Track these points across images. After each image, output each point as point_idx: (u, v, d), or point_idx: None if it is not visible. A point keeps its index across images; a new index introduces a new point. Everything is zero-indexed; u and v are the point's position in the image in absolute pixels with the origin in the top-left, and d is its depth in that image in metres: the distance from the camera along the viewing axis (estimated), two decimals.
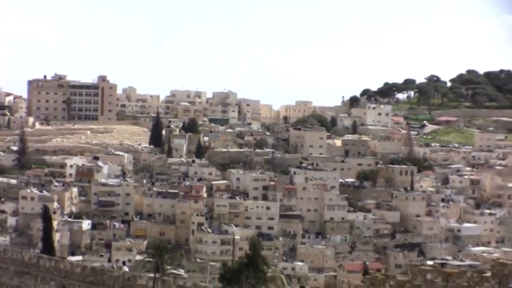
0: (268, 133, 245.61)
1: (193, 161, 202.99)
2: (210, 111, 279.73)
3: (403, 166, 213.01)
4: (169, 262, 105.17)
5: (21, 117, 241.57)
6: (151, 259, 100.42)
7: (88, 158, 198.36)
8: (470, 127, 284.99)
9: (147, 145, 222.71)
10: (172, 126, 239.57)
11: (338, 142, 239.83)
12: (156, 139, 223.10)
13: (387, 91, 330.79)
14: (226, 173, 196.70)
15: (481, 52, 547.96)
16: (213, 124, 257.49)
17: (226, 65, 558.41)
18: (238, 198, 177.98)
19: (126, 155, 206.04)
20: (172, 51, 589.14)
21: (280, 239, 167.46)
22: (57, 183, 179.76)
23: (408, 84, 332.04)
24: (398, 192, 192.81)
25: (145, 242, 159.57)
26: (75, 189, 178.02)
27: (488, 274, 60.91)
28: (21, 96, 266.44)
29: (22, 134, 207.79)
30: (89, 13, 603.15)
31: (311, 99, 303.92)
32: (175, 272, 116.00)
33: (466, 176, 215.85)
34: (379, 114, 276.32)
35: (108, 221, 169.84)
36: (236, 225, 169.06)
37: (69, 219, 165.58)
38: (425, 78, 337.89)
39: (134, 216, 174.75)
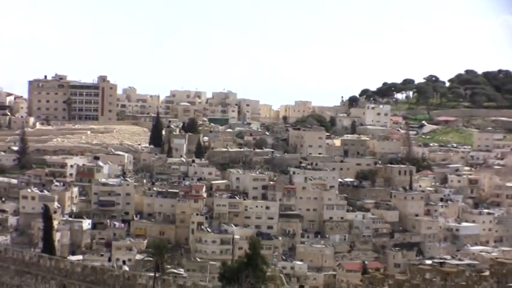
0: (267, 133, 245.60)
1: (193, 161, 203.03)
2: (209, 111, 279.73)
3: (402, 166, 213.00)
4: (169, 261, 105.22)
5: (21, 117, 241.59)
6: (151, 258, 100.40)
7: (88, 158, 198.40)
8: (468, 127, 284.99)
9: (147, 145, 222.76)
10: (172, 126, 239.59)
11: (337, 142, 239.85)
12: (156, 139, 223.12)
13: (386, 91, 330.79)
14: (226, 172, 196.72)
15: (480, 52, 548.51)
16: (212, 124, 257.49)
17: (226, 65, 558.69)
18: (237, 198, 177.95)
19: (126, 154, 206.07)
20: (172, 51, 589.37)
21: (280, 238, 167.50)
22: (57, 183, 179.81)
23: (407, 84, 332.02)
24: (397, 192, 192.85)
25: (146, 241, 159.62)
26: (75, 189, 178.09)
27: (487, 273, 60.95)
28: (21, 96, 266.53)
29: (23, 134, 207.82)
30: (89, 13, 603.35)
31: (310, 99, 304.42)
32: (175, 271, 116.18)
33: (464, 176, 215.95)
34: (378, 114, 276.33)
35: (108, 221, 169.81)
36: (236, 225, 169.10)
37: (70, 219, 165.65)
38: (424, 78, 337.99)
39: (134, 216, 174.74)
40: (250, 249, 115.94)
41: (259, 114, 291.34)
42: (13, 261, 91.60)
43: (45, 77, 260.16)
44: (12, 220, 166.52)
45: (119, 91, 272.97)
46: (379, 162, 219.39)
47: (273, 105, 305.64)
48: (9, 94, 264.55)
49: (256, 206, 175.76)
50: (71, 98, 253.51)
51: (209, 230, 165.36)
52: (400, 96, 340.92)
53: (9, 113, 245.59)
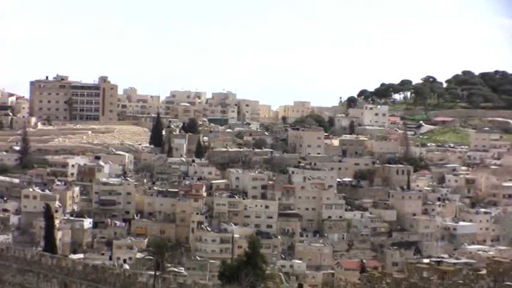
0: (267, 133, 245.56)
1: (193, 161, 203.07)
2: (209, 111, 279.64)
3: (400, 166, 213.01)
4: (169, 260, 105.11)
5: (23, 117, 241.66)
6: (151, 257, 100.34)
7: (89, 158, 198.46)
8: (466, 127, 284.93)
9: (148, 145, 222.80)
10: (172, 126, 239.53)
11: (336, 142, 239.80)
12: (156, 139, 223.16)
13: (384, 92, 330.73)
14: (226, 172, 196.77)
15: (477, 53, 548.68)
16: (212, 124, 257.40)
17: (226, 66, 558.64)
18: (237, 197, 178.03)
19: (127, 154, 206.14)
20: (172, 52, 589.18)
21: (279, 237, 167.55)
22: (59, 183, 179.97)
23: (405, 84, 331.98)
24: (395, 191, 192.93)
25: (146, 240, 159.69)
26: (76, 188, 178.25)
27: (484, 272, 60.82)
28: (23, 97, 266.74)
29: (24, 134, 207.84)
30: (90, 15, 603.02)
31: (309, 99, 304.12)
32: (175, 269, 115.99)
33: (461, 176, 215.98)
34: (376, 114, 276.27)
35: (109, 220, 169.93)
36: (235, 224, 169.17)
37: (71, 218, 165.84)
38: (422, 79, 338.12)
39: (135, 215, 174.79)
40: (250, 248, 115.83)
41: (259, 115, 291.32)
42: (15, 260, 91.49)
43: (47, 77, 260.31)
44: (14, 219, 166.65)
45: (120, 91, 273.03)
46: (377, 162, 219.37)
47: (272, 106, 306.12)
48: (11, 94, 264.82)
49: (256, 205, 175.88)
50: (72, 98, 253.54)
51: (209, 229, 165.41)
52: (397, 96, 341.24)
53: (11, 113, 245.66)
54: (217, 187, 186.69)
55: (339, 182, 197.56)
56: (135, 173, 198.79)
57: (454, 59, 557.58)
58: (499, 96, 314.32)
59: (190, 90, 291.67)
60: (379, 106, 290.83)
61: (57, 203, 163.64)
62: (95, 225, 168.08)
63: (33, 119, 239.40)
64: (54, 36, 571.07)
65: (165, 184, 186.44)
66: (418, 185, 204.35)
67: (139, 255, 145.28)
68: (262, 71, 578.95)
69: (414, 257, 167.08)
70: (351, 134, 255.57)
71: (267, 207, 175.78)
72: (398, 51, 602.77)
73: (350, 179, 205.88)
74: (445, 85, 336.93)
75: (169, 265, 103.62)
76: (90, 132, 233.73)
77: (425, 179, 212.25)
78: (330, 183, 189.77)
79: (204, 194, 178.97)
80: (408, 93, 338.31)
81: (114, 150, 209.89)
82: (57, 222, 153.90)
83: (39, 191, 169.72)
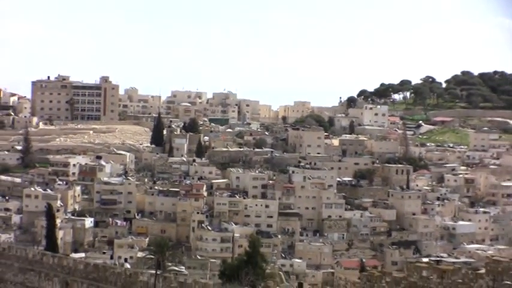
0: (267, 133, 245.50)
1: (194, 160, 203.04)
2: (210, 111, 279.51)
3: (399, 165, 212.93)
4: (170, 259, 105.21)
5: (25, 117, 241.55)
6: (152, 256, 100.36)
7: (91, 157, 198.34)
8: (465, 127, 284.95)
9: (149, 144, 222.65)
10: (173, 126, 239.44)
11: (335, 142, 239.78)
12: (157, 139, 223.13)
13: (384, 92, 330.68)
14: (226, 172, 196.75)
15: (476, 54, 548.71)
16: (213, 124, 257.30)
17: (226, 66, 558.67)
18: (237, 197, 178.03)
19: (128, 154, 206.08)
20: (173, 52, 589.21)
21: (279, 236, 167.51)
22: (60, 182, 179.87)
23: (404, 85, 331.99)
24: (394, 191, 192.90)
25: (147, 239, 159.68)
26: (78, 188, 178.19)
27: (483, 271, 60.85)
28: (25, 97, 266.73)
29: (26, 134, 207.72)
30: (92, 15, 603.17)
31: (309, 99, 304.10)
32: (176, 268, 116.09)
33: (460, 175, 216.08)
34: (376, 114, 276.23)
35: (110, 219, 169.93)
36: (236, 223, 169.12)
37: (72, 217, 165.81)
38: (421, 79, 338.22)
39: (136, 214, 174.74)
40: (250, 247, 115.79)
41: (259, 115, 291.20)
42: (17, 259, 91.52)
43: (48, 77, 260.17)
44: (15, 218, 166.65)
45: (121, 91, 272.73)
46: (377, 161, 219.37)
47: (272, 106, 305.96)
48: (13, 94, 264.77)
49: (256, 205, 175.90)
50: (74, 98, 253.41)
51: (209, 228, 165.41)
52: (397, 96, 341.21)
53: (12, 113, 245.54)
54: (217, 187, 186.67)
55: (338, 181, 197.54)
56: (136, 173, 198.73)
57: (453, 60, 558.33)
58: (498, 96, 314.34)
59: (191, 90, 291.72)
60: (378, 106, 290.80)
61: (58, 203, 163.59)
62: (96, 224, 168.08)
63: (35, 119, 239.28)
64: (56, 37, 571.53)
65: (166, 184, 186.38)
66: (417, 185, 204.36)
67: (140, 254, 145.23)
68: (262, 71, 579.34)
69: (413, 256, 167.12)
70: (350, 133, 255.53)
71: (267, 206, 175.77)
72: (398, 51, 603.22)
73: (350, 179, 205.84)
74: (444, 85, 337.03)
75: (170, 264, 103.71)
76: (91, 132, 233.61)
77: (425, 179, 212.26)
78: (329, 183, 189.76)
79: (205, 194, 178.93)
80: (408, 94, 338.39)
81: (115, 149, 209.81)
82: (58, 221, 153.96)
83: (40, 190, 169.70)
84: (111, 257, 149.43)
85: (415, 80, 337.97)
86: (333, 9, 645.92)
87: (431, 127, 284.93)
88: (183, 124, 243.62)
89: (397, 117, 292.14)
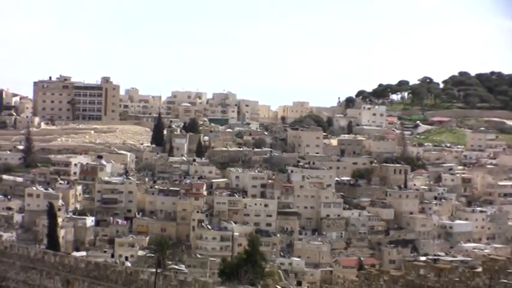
0: (266, 133, 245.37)
1: (194, 160, 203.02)
2: (210, 111, 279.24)
3: (397, 165, 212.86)
4: (170, 258, 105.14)
5: (27, 117, 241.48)
6: (153, 254, 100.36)
7: (92, 157, 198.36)
8: (462, 127, 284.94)
9: (149, 144, 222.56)
10: (173, 126, 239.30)
11: (334, 142, 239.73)
12: (157, 138, 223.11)
13: (382, 92, 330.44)
14: (226, 171, 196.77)
15: (473, 54, 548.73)
16: (213, 124, 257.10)
17: (226, 67, 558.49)
18: (237, 196, 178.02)
19: (128, 154, 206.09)
20: (173, 53, 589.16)
21: (278, 235, 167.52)
22: (62, 181, 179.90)
23: (402, 85, 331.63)
24: (392, 190, 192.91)
25: (147, 238, 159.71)
26: (79, 187, 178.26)
27: (480, 270, 60.90)
28: (27, 97, 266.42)
29: (28, 134, 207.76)
30: (93, 16, 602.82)
31: (308, 100, 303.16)
32: (176, 267, 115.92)
33: (458, 175, 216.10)
34: (374, 114, 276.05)
35: (111, 218, 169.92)
36: (235, 222, 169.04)
37: (74, 216, 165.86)
38: (419, 80, 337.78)
39: (136, 213, 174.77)
40: (250, 245, 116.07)
41: (258, 115, 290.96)
42: (18, 258, 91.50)
43: (50, 78, 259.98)
44: (17, 217, 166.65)
45: (122, 92, 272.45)
46: (375, 161, 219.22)
47: (271, 106, 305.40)
48: (15, 95, 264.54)
49: (255, 204, 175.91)
50: (75, 98, 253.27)
51: (209, 227, 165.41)
52: (395, 97, 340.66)
53: (14, 113, 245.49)
54: (217, 186, 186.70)
55: (337, 181, 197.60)
56: (136, 172, 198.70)
57: (451, 60, 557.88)
58: (495, 96, 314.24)
59: (191, 91, 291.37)
60: (376, 106, 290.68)
61: (60, 202, 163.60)
62: (97, 223, 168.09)
63: (37, 119, 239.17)
64: (57, 37, 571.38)
65: (166, 183, 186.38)
66: (415, 184, 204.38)
67: (140, 252, 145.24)
68: (261, 71, 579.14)
69: (411, 254, 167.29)
70: (349, 133, 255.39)
71: (266, 205, 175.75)
72: (396, 52, 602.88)
73: (348, 178, 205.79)
74: (441, 86, 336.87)
75: (170, 262, 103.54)
76: (92, 131, 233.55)
77: (422, 178, 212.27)
78: (328, 182, 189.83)
79: (205, 193, 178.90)
80: (405, 94, 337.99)
81: (116, 149, 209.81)
82: (60, 220, 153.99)
83: (42, 189, 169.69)
84: (112, 256, 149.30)
85: (413, 80, 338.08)
86: (332, 10, 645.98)
87: (429, 127, 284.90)
88: (183, 124, 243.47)
89: (395, 118, 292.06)
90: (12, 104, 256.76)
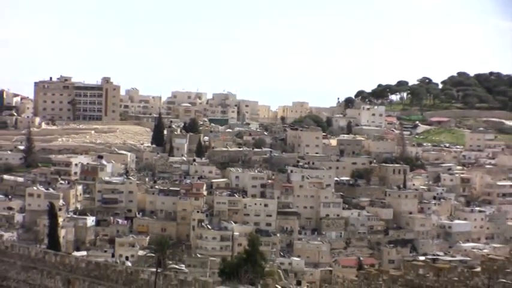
0: (266, 133, 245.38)
1: (194, 160, 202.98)
2: (210, 111, 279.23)
3: (396, 165, 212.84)
4: (170, 257, 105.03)
5: (27, 117, 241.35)
6: (153, 254, 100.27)
7: (92, 157, 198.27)
8: (461, 127, 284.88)
9: (150, 144, 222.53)
10: (173, 126, 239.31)
11: (333, 142, 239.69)
12: (158, 139, 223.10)
13: (381, 92, 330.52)
14: (226, 171, 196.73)
15: (472, 55, 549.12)
16: (213, 124, 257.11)
17: (226, 67, 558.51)
18: (237, 196, 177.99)
19: (129, 154, 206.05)
20: (174, 53, 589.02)
21: (278, 235, 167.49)
22: (62, 181, 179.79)
23: (401, 85, 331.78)
24: (391, 190, 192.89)
25: (148, 237, 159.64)
26: (80, 187, 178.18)
27: (478, 269, 60.92)
28: (27, 97, 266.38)
29: (29, 134, 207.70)
30: (93, 16, 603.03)
31: (307, 100, 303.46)
32: (176, 266, 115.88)
33: (456, 175, 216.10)
34: (373, 114, 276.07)
35: (111, 218, 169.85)
36: (235, 222, 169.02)
37: (74, 216, 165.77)
38: (418, 80, 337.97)
39: (137, 213, 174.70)
40: (249, 245, 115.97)
41: (258, 115, 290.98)
42: (19, 257, 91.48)
43: (51, 78, 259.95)
44: (18, 217, 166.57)
45: (122, 92, 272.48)
46: (374, 161, 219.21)
47: (271, 106, 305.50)
48: (16, 95, 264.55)
49: (255, 204, 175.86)
50: (76, 98, 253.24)
51: (209, 227, 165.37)
52: (394, 97, 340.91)
53: (15, 114, 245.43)
54: (217, 186, 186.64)
55: (336, 181, 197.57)
56: (137, 172, 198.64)
57: (450, 61, 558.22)
58: (494, 97, 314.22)
59: (191, 91, 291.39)
60: (376, 107, 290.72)
61: (60, 202, 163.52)
62: (98, 223, 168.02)
63: (37, 119, 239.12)
64: (58, 38, 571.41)
65: (166, 183, 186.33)
66: (414, 184, 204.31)
67: (141, 252, 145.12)
68: (261, 71, 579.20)
69: (410, 254, 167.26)
70: (348, 134, 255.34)
71: (266, 205, 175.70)
72: (395, 52, 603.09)
73: (347, 178, 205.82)
74: (440, 86, 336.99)
75: (170, 262, 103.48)
76: (93, 132, 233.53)
77: (421, 178, 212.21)
78: (327, 182, 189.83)
79: (205, 193, 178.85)
80: (404, 94, 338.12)
81: (116, 149, 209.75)
82: (60, 220, 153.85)
83: (43, 189, 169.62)
84: (113, 255, 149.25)
85: (412, 80, 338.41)
86: (332, 11, 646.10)
87: (428, 127, 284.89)
88: (183, 124, 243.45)
89: (394, 118, 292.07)
90: (13, 104, 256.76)
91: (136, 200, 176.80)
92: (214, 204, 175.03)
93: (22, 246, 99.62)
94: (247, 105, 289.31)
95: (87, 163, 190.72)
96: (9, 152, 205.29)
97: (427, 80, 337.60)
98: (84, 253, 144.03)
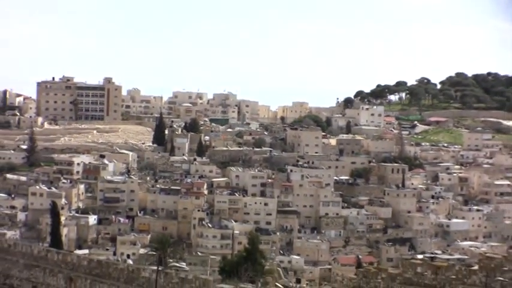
0: (266, 133, 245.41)
1: (195, 159, 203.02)
2: (210, 111, 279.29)
3: (395, 164, 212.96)
4: (171, 255, 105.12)
5: (30, 117, 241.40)
6: (154, 252, 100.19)
7: (94, 156, 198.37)
8: (459, 127, 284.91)
9: (151, 144, 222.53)
10: (174, 126, 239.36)
11: (333, 141, 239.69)
12: (159, 138, 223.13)
13: (380, 93, 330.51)
14: (226, 170, 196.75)
15: (470, 56, 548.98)
16: (213, 124, 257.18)
17: (227, 68, 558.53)
18: (237, 195, 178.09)
19: (130, 153, 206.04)
20: (174, 54, 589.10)
21: (278, 233, 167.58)
22: (65, 180, 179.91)
23: (400, 86, 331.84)
24: (390, 189, 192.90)
25: (149, 236, 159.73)
26: (82, 186, 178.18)
27: (476, 267, 60.85)
28: (30, 97, 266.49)
29: (31, 133, 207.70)
30: (95, 17, 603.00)
31: (307, 100, 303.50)
32: (177, 265, 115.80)
33: (454, 174, 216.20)
34: (372, 114, 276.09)
35: (113, 216, 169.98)
36: (235, 221, 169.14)
37: (76, 215, 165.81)
38: (416, 81, 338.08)
39: (138, 212, 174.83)
40: (249, 244, 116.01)
41: (258, 115, 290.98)
42: (22, 255, 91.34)
43: (53, 78, 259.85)
44: (21, 216, 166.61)
45: (124, 92, 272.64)
46: (373, 160, 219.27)
47: (271, 106, 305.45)
48: (19, 95, 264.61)
49: (255, 203, 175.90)
50: (78, 98, 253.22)
51: (210, 225, 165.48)
52: (393, 97, 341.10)
53: (18, 113, 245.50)
54: (218, 185, 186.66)
55: (335, 180, 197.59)
56: (138, 171, 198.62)
57: (448, 61, 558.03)
58: (491, 97, 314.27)
59: (192, 91, 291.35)
60: (375, 107, 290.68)
61: (63, 200, 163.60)
62: (100, 221, 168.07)
63: (40, 119, 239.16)
64: (60, 38, 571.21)
65: (167, 182, 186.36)
66: (412, 183, 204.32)
67: (142, 250, 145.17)
68: (261, 72, 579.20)
69: (408, 253, 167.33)
70: (347, 133, 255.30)
71: (266, 204, 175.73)
72: (394, 53, 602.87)
73: (347, 177, 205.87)
74: (439, 86, 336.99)
75: (171, 260, 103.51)
76: (95, 131, 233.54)
77: (420, 178, 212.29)
78: (327, 182, 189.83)
79: (205, 192, 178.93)
80: (403, 94, 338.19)
81: (118, 149, 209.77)
82: (63, 218, 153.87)
83: (45, 188, 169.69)
84: (114, 254, 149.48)
85: (411, 81, 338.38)
86: (331, 12, 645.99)
87: (426, 127, 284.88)
88: (184, 124, 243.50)
89: (392, 118, 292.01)
90: (16, 104, 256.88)
91: (137, 198, 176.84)
92: (214, 203, 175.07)
93: (25, 244, 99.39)
94: (247, 105, 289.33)
95: (89, 162, 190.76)
96: (12, 152, 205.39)
97: (425, 81, 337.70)
98: (86, 251, 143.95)
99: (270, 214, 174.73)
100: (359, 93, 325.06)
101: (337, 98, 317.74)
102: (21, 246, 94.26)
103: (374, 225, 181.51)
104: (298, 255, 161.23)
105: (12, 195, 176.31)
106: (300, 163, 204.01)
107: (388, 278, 63.86)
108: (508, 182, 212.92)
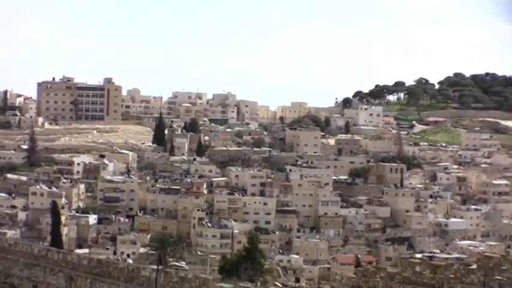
0: (265, 133, 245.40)
1: (194, 159, 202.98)
2: (210, 111, 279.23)
3: (394, 164, 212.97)
4: (171, 255, 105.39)
5: (31, 117, 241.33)
6: (154, 252, 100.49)
7: (94, 156, 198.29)
8: (457, 127, 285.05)
9: (151, 144, 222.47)
10: (174, 126, 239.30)
11: (332, 141, 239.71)
12: (159, 138, 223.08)
13: (378, 93, 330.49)
14: (226, 170, 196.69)
15: (468, 56, 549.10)
16: (213, 124, 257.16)
17: (226, 68, 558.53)
18: (236, 195, 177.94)
19: (130, 153, 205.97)
20: (174, 54, 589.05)
21: (277, 233, 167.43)
22: (65, 180, 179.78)
23: (398, 86, 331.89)
24: (388, 189, 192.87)
25: (149, 235, 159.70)
26: (82, 186, 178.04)
27: (474, 267, 60.85)
28: (31, 97, 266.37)
29: (32, 133, 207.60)
30: (95, 17, 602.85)
31: (306, 100, 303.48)
32: (177, 264, 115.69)
33: (453, 174, 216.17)
34: (371, 114, 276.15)
35: (113, 216, 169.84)
36: (235, 220, 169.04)
37: (77, 214, 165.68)
38: (415, 81, 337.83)
39: (138, 211, 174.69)
40: (249, 243, 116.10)
41: (257, 115, 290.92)
42: (22, 255, 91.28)
43: (54, 78, 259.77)
44: (21, 215, 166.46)
45: (124, 92, 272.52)
46: (372, 160, 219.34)
47: (270, 106, 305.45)
48: (19, 95, 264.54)
49: (255, 202, 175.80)
50: (78, 99, 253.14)
51: (209, 225, 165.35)
52: (391, 97, 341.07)
53: (19, 113, 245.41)
54: (217, 185, 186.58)
55: (334, 179, 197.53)
56: (138, 171, 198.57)
57: (446, 62, 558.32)
58: (489, 97, 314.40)
59: (191, 91, 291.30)
60: (373, 107, 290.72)
61: (63, 200, 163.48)
62: (100, 221, 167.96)
63: (40, 119, 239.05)
64: (60, 38, 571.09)
65: (167, 182, 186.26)
66: (411, 183, 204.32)
67: (142, 250, 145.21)
68: (261, 72, 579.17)
69: (407, 252, 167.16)
70: (346, 133, 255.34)
71: (265, 204, 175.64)
72: (392, 53, 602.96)
73: (345, 177, 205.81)
74: (437, 86, 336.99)
75: (171, 259, 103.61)
76: (95, 131, 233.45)
77: (418, 177, 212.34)
78: (326, 181, 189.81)
79: (205, 191, 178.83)
80: (402, 95, 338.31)
81: (118, 149, 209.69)
82: (63, 218, 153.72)
83: (46, 188, 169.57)
84: (114, 253, 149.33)
85: (409, 81, 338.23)
86: (330, 12, 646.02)
87: (425, 127, 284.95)
88: (183, 124, 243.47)
89: (391, 118, 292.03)
90: (17, 105, 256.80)
91: (137, 198, 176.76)
92: (214, 202, 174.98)
93: (25, 243, 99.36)
94: (246, 106, 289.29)
95: (90, 162, 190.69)
96: (12, 152, 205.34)
97: (423, 81, 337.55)
98: (86, 250, 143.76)
99: (269, 213, 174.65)
100: (358, 94, 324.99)
101: (336, 98, 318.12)
102: (21, 246, 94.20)
103: (373, 225, 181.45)
104: (297, 254, 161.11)
105: (13, 195, 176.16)
106: (299, 163, 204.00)
107: (386, 277, 63.85)
108: (506, 182, 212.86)
